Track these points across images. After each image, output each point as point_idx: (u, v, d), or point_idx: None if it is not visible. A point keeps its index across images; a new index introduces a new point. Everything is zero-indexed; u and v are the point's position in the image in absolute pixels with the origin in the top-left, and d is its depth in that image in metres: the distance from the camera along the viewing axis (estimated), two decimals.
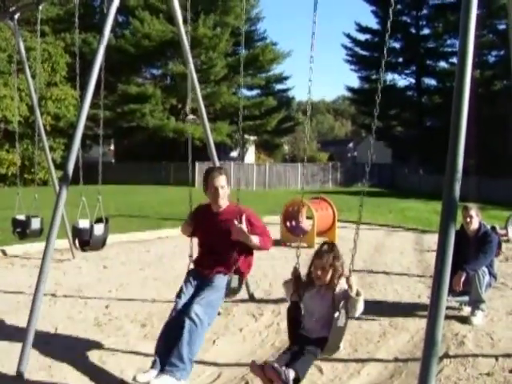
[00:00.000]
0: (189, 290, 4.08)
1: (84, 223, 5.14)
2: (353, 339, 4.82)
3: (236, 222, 4.02)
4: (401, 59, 43.71)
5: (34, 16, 22.87)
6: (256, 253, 4.32)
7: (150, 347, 4.58)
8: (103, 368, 4.15)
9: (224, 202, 4.27)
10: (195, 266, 4.32)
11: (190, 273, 4.28)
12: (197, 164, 35.50)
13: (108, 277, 7.35)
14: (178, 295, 4.07)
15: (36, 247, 8.62)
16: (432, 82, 43.13)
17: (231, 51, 40.32)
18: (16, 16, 6.46)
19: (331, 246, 3.52)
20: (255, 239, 4.09)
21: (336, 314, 3.24)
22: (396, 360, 4.35)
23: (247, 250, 4.20)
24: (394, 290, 6.79)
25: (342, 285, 3.36)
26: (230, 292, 4.08)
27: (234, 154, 45.35)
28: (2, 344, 4.56)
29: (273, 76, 44.30)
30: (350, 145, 76.32)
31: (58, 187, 7.95)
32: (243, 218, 4.06)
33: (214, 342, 4.76)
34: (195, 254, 4.39)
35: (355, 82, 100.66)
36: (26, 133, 27.43)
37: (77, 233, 5.13)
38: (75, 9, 5.77)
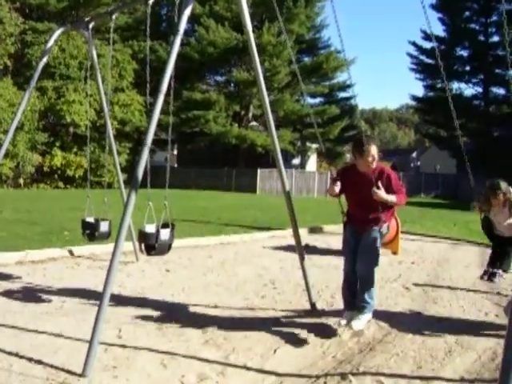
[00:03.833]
0: (351, 249, 5.09)
1: (150, 228, 5.20)
2: (417, 356, 4.68)
3: (375, 189, 4.79)
4: (468, 67, 42.70)
5: (104, 25, 23.55)
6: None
7: (211, 353, 4.62)
8: (165, 371, 4.20)
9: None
10: (349, 220, 5.26)
11: (346, 229, 5.28)
12: (258, 170, 35.73)
13: (171, 281, 7.45)
14: (345, 253, 5.19)
15: (102, 249, 8.86)
16: (501, 91, 41.94)
17: (295, 58, 40.40)
18: (90, 25, 6.68)
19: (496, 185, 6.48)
20: (392, 198, 4.93)
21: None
22: (462, 380, 4.19)
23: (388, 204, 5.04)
24: (460, 306, 6.56)
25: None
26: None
27: (296, 161, 45.36)
28: (68, 343, 4.69)
29: (336, 84, 44.05)
30: (414, 154, 74.99)
31: (123, 190, 8.16)
32: (380, 183, 4.86)
33: (275, 351, 4.73)
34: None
35: (419, 91, 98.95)
36: (93, 136, 28.39)
37: (143, 237, 5.19)
38: (146, 18, 5.87)
